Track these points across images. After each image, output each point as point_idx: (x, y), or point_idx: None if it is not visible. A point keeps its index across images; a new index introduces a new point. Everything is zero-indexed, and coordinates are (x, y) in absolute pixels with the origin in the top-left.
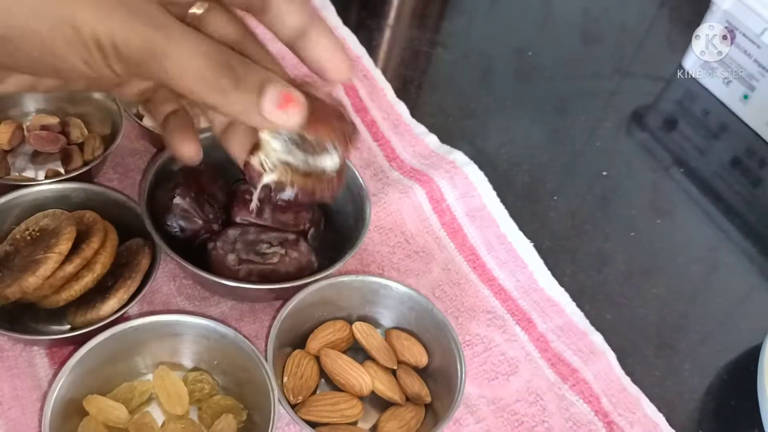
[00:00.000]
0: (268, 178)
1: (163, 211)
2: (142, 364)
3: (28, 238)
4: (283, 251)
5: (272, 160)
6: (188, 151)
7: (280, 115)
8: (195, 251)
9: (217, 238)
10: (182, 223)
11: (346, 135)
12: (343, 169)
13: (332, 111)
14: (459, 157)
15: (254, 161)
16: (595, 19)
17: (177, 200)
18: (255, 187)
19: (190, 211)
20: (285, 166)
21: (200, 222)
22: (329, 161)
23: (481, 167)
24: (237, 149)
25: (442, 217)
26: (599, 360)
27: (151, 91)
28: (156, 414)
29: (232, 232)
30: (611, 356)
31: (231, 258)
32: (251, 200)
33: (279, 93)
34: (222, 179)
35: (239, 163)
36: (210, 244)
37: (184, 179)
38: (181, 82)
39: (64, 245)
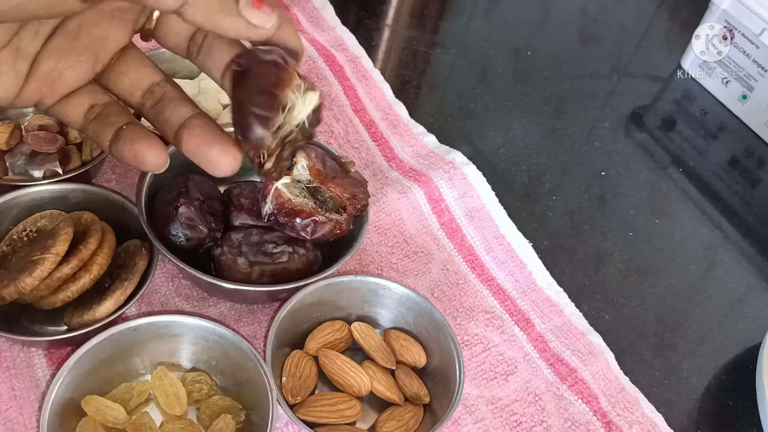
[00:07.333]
0: (279, 183)
1: (165, 219)
2: (141, 364)
3: (26, 238)
4: (290, 249)
5: (291, 191)
6: (156, 156)
7: (256, 14)
8: (196, 256)
9: (222, 243)
10: (187, 232)
11: (359, 203)
12: (345, 229)
13: (354, 182)
14: (458, 157)
15: (275, 181)
16: (594, 19)
17: (182, 209)
18: (266, 195)
19: (196, 220)
20: (301, 198)
21: (205, 230)
22: (337, 217)
23: (479, 167)
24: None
25: (441, 217)
26: (598, 360)
27: (100, 106)
28: (154, 414)
29: (235, 236)
30: (610, 356)
31: (241, 261)
32: (246, 204)
33: None
34: (213, 184)
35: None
36: (216, 249)
37: (186, 187)
38: None
39: (62, 246)
